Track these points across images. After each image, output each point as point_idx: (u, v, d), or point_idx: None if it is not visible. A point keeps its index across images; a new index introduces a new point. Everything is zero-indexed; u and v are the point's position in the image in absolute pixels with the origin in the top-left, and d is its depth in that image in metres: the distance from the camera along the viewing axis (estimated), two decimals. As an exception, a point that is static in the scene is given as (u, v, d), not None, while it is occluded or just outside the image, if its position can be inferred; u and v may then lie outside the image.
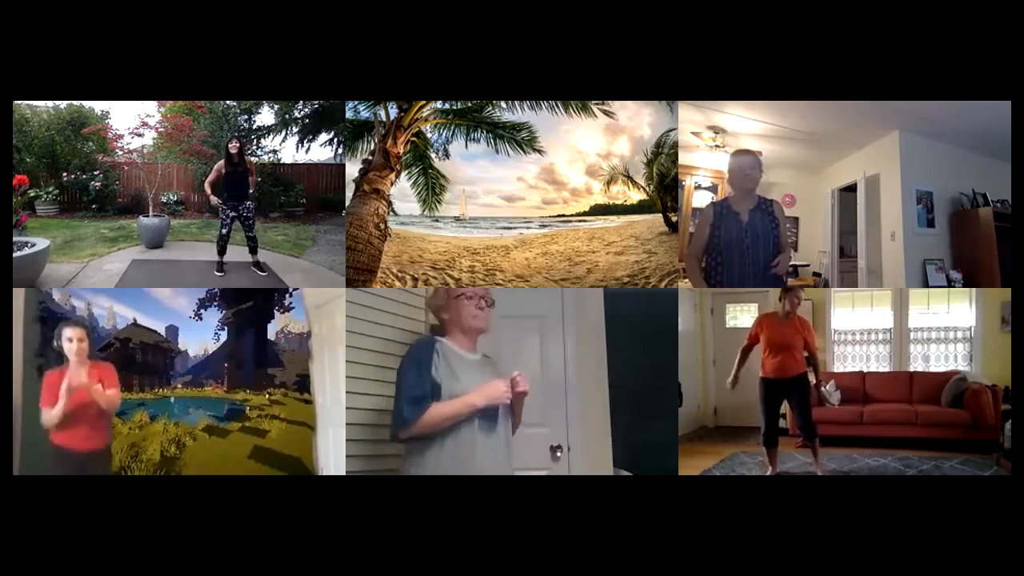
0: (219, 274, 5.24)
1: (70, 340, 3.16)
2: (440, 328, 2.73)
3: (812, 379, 4.82)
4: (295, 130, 8.36)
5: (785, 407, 5.21)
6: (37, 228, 6.11)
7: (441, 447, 2.49)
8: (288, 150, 8.37)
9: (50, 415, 3.09)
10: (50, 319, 4.47)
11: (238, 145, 5.32)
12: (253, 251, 5.40)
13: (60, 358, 3.21)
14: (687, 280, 4.18)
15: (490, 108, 5.58)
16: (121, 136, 7.45)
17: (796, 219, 8.14)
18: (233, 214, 5.31)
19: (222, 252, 5.28)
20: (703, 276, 3.72)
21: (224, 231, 5.26)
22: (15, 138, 6.49)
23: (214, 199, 5.33)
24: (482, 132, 5.73)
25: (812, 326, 4.73)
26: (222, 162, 5.33)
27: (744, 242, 3.63)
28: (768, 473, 4.65)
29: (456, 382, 2.50)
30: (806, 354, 4.65)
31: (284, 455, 3.86)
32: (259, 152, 8.35)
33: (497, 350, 3.83)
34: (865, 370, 7.09)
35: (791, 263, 7.42)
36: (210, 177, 5.38)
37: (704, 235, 3.68)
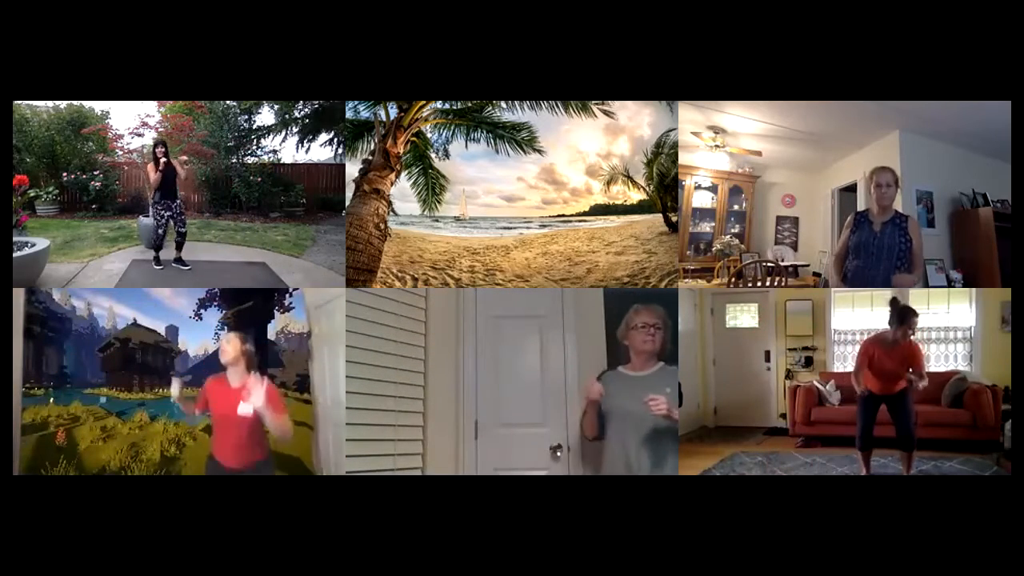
0: (157, 267, 5.51)
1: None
2: (628, 352, 3.32)
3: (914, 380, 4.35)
4: (295, 130, 8.34)
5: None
6: (37, 228, 6.11)
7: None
8: (288, 150, 8.35)
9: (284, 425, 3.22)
10: (51, 319, 4.48)
11: (163, 150, 5.53)
12: (179, 247, 5.62)
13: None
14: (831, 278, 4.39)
15: (490, 108, 5.57)
16: (121, 136, 7.46)
17: (796, 219, 8.15)
18: (168, 213, 5.55)
19: (158, 249, 5.57)
20: (840, 277, 4.14)
21: (160, 231, 5.54)
22: (15, 138, 6.49)
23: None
24: (482, 132, 5.72)
25: (920, 351, 4.30)
26: (151, 164, 5.53)
27: (871, 249, 3.94)
28: (863, 474, 4.47)
29: (606, 399, 3.17)
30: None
31: (284, 455, 3.85)
32: (259, 152, 8.34)
33: (497, 350, 3.86)
34: (865, 370, 7.07)
35: (793, 263, 7.45)
36: (151, 181, 5.60)
37: (844, 238, 4.09)
